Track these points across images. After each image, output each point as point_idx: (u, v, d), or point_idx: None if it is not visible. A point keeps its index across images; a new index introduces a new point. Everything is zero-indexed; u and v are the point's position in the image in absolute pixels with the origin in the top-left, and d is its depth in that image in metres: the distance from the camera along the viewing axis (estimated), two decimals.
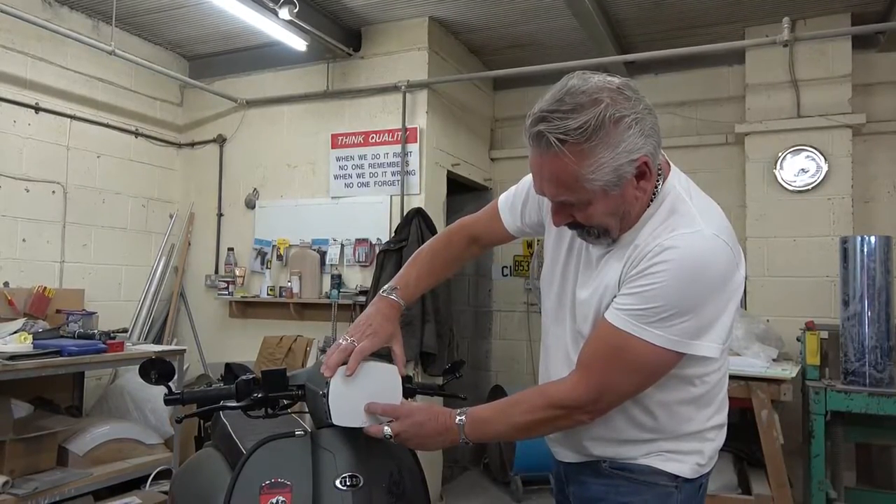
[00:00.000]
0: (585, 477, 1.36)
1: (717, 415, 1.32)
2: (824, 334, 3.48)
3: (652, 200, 1.21)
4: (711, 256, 1.13)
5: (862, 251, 3.23)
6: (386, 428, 1.27)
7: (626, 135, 1.09)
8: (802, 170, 4.10)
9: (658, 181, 1.20)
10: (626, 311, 1.16)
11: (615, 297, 1.20)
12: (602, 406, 1.22)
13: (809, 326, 3.47)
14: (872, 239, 3.24)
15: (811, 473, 3.22)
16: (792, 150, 4.12)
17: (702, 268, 1.12)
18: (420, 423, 1.27)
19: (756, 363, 3.34)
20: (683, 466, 1.28)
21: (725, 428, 1.35)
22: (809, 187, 4.08)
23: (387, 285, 1.49)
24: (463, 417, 1.27)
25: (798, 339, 3.60)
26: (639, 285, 1.15)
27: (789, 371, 3.29)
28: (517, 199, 1.50)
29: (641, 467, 1.28)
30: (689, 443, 1.29)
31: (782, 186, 4.13)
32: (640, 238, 1.19)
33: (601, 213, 1.16)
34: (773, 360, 3.52)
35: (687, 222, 1.16)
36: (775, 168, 4.14)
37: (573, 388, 1.22)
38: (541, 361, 1.48)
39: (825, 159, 4.04)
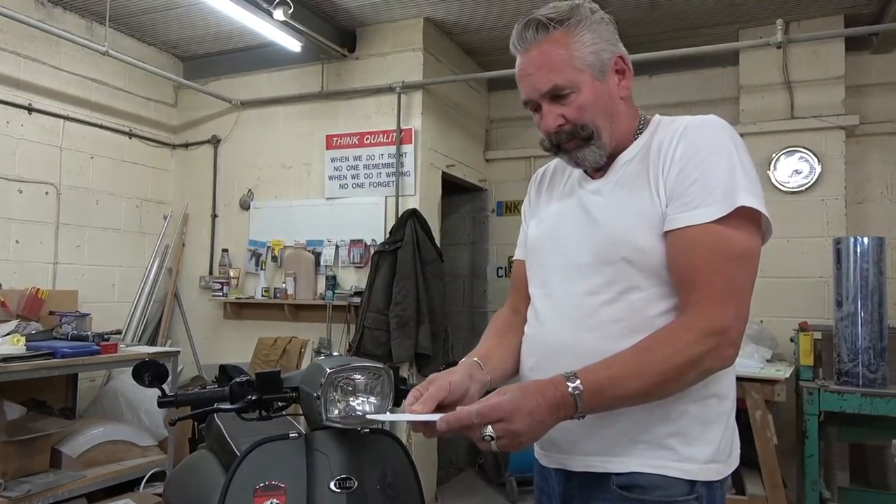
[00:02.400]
0: (592, 494, 1.21)
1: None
2: (818, 335, 3.49)
3: (640, 129, 1.26)
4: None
5: (855, 252, 3.24)
6: (488, 428, 0.99)
7: (601, 26, 1.21)
8: (796, 171, 4.11)
9: (642, 114, 1.28)
10: (701, 203, 1.11)
11: (673, 203, 1.13)
12: (742, 320, 1.10)
13: (803, 327, 3.49)
14: (865, 240, 3.25)
15: (805, 473, 3.22)
16: (785, 151, 4.14)
17: (726, 125, 1.19)
18: (531, 412, 1.00)
19: (750, 363, 3.35)
20: (696, 468, 1.16)
21: (733, 404, 1.23)
22: (803, 188, 4.09)
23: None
24: (578, 384, 1.03)
25: (792, 340, 3.61)
26: (693, 169, 1.13)
27: (783, 371, 3.30)
28: (521, 234, 1.48)
29: (654, 480, 1.15)
30: (691, 420, 1.16)
31: (776, 187, 4.14)
32: (654, 142, 1.21)
33: (591, 103, 1.19)
34: (767, 360, 3.54)
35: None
36: (769, 169, 4.15)
37: (712, 309, 1.07)
38: (530, 342, 1.33)
39: (818, 160, 4.06)
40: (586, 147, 1.21)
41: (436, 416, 1.03)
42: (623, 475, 1.17)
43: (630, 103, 1.27)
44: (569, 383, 1.04)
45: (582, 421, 1.14)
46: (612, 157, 1.25)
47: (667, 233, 1.14)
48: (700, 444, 1.16)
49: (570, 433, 1.21)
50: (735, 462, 1.23)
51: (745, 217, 1.10)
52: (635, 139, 1.25)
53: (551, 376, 1.06)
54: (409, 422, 1.10)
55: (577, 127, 1.20)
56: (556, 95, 1.19)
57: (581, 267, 1.23)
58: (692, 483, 1.16)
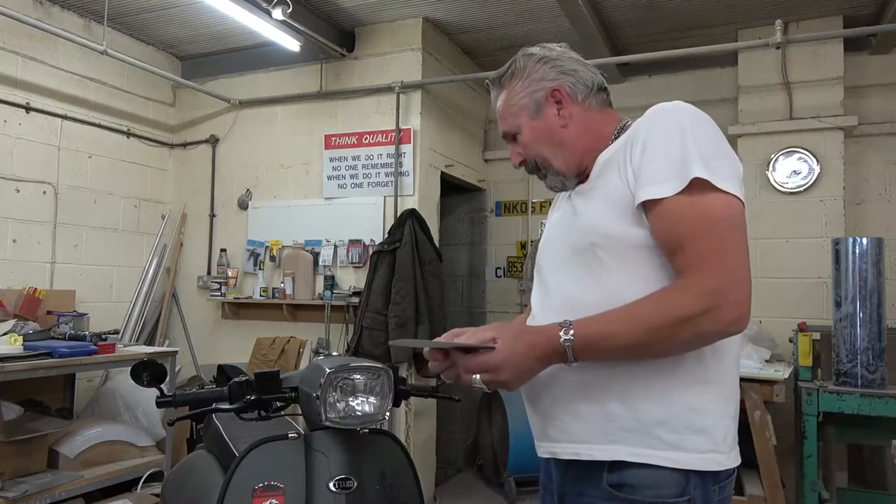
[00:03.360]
0: (584, 490, 1.22)
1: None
2: (816, 335, 3.50)
3: (619, 132, 1.32)
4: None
5: (854, 252, 3.24)
6: (477, 377, 1.14)
7: (535, 68, 1.36)
8: (795, 171, 4.11)
9: (625, 119, 1.35)
10: (665, 178, 1.13)
11: (639, 179, 1.16)
12: (741, 282, 1.08)
13: (802, 328, 3.48)
14: (864, 240, 3.26)
15: (804, 474, 3.23)
16: (784, 151, 4.14)
17: (688, 106, 1.21)
18: (517, 364, 1.14)
19: (749, 364, 3.35)
20: (687, 457, 1.14)
21: (729, 389, 1.22)
22: (802, 189, 4.09)
23: None
24: (571, 336, 1.11)
25: (790, 340, 3.61)
26: (653, 148, 1.16)
27: (782, 372, 3.30)
28: None
29: (643, 477, 1.15)
30: (683, 392, 1.16)
31: (775, 188, 4.14)
32: (627, 134, 1.27)
33: (532, 140, 1.36)
34: (766, 361, 3.54)
35: None
36: (768, 170, 4.16)
37: (704, 271, 1.08)
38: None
39: (817, 161, 4.06)
40: (547, 177, 1.39)
41: (449, 342, 1.16)
42: (614, 473, 1.17)
43: (592, 119, 1.33)
44: (562, 335, 1.12)
45: (570, 409, 1.20)
46: (588, 164, 1.33)
47: (642, 209, 1.16)
48: (689, 433, 1.15)
49: (560, 422, 1.23)
50: (737, 457, 1.21)
51: (708, 186, 1.11)
52: (610, 145, 1.31)
53: (547, 324, 1.16)
54: (425, 355, 1.22)
55: (530, 161, 1.39)
56: (513, 137, 1.40)
57: (563, 259, 1.30)
58: (685, 478, 1.14)
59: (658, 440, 1.15)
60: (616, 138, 1.30)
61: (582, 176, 1.33)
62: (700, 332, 1.09)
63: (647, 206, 1.15)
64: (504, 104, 1.39)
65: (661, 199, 1.13)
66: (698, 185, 1.11)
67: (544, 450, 1.30)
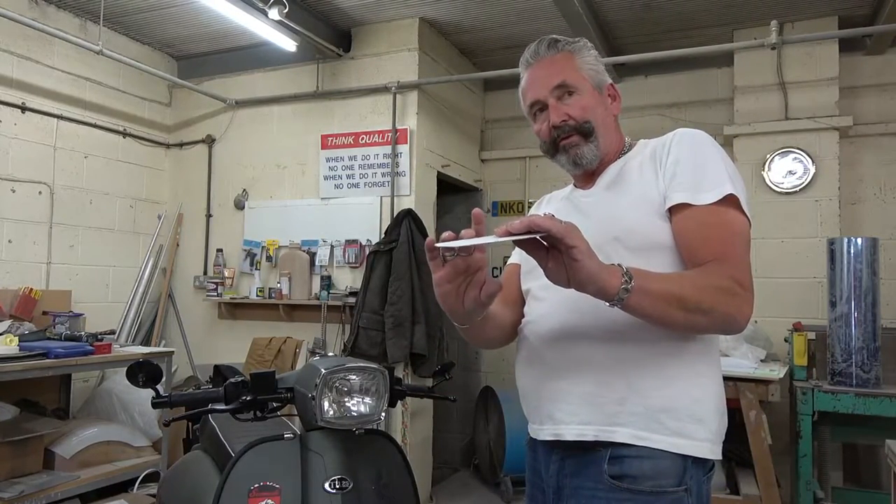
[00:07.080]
0: (582, 483, 1.25)
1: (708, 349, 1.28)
2: (812, 335, 3.51)
3: (625, 150, 1.40)
4: None
5: (849, 252, 3.26)
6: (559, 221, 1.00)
7: (598, 60, 1.42)
8: (790, 172, 4.13)
9: (628, 139, 1.43)
10: (701, 188, 1.22)
11: (673, 185, 1.24)
12: (752, 294, 1.16)
13: (797, 327, 3.50)
14: (859, 240, 3.27)
15: (799, 473, 3.24)
16: (780, 151, 4.15)
17: (706, 133, 1.34)
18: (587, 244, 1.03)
19: (744, 364, 3.36)
20: (687, 444, 1.20)
21: (719, 381, 1.29)
22: (797, 189, 4.11)
23: None
24: (628, 281, 1.05)
25: (786, 340, 3.62)
26: (688, 161, 1.26)
27: (777, 372, 3.31)
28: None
29: (644, 469, 1.19)
30: (685, 384, 1.22)
31: (770, 188, 4.15)
32: (646, 150, 1.35)
33: (592, 107, 1.36)
34: (762, 360, 3.55)
35: None
36: (763, 170, 4.17)
37: (735, 269, 1.15)
38: (528, 336, 1.36)
39: (812, 161, 4.08)
40: (585, 144, 1.35)
41: (492, 238, 0.99)
42: (615, 464, 1.21)
43: (619, 126, 1.43)
44: (622, 274, 1.06)
45: (581, 392, 1.23)
46: (598, 171, 1.39)
47: (672, 212, 1.24)
48: (691, 422, 1.22)
49: (569, 405, 1.26)
50: (720, 450, 1.26)
51: (735, 203, 1.23)
52: (619, 158, 1.39)
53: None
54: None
55: (580, 123, 1.34)
56: (562, 95, 1.35)
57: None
58: (684, 467, 1.20)
59: (661, 425, 1.20)
60: (625, 153, 1.39)
61: (596, 169, 1.39)
62: (724, 311, 1.13)
63: (677, 209, 1.23)
64: (570, 62, 1.37)
65: (695, 205, 1.22)
66: (729, 201, 1.22)
67: (547, 432, 1.31)
